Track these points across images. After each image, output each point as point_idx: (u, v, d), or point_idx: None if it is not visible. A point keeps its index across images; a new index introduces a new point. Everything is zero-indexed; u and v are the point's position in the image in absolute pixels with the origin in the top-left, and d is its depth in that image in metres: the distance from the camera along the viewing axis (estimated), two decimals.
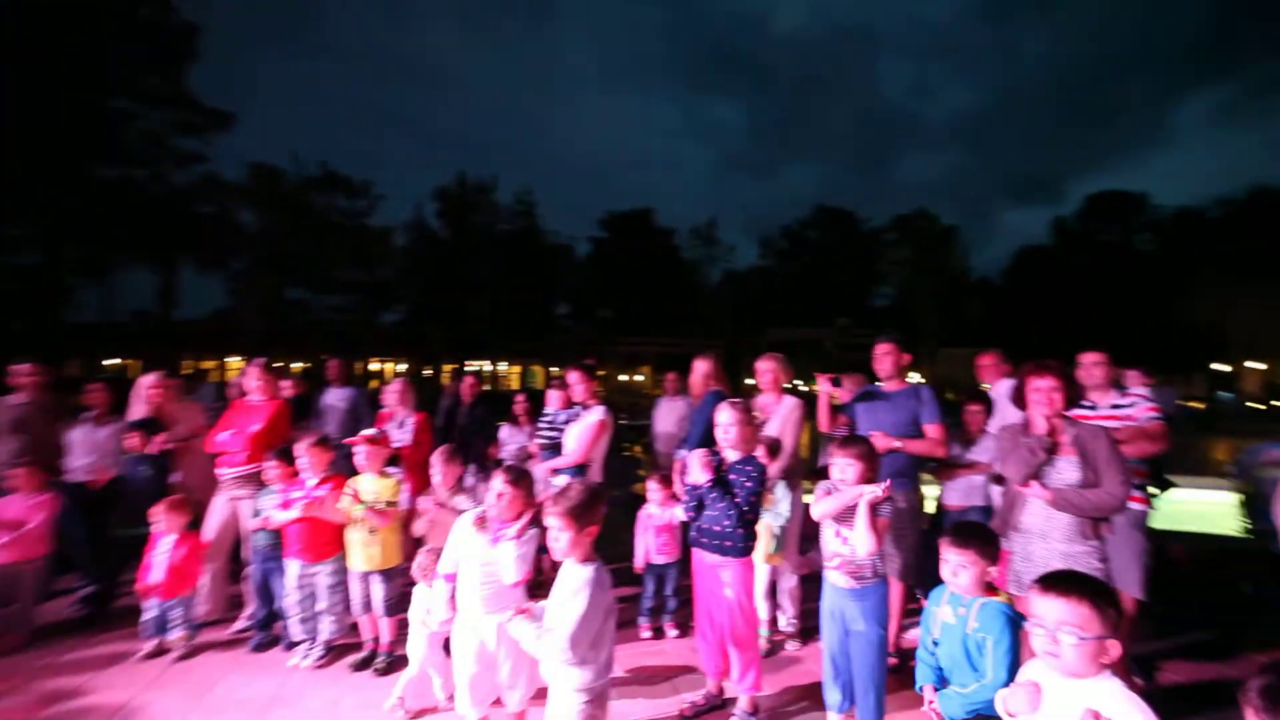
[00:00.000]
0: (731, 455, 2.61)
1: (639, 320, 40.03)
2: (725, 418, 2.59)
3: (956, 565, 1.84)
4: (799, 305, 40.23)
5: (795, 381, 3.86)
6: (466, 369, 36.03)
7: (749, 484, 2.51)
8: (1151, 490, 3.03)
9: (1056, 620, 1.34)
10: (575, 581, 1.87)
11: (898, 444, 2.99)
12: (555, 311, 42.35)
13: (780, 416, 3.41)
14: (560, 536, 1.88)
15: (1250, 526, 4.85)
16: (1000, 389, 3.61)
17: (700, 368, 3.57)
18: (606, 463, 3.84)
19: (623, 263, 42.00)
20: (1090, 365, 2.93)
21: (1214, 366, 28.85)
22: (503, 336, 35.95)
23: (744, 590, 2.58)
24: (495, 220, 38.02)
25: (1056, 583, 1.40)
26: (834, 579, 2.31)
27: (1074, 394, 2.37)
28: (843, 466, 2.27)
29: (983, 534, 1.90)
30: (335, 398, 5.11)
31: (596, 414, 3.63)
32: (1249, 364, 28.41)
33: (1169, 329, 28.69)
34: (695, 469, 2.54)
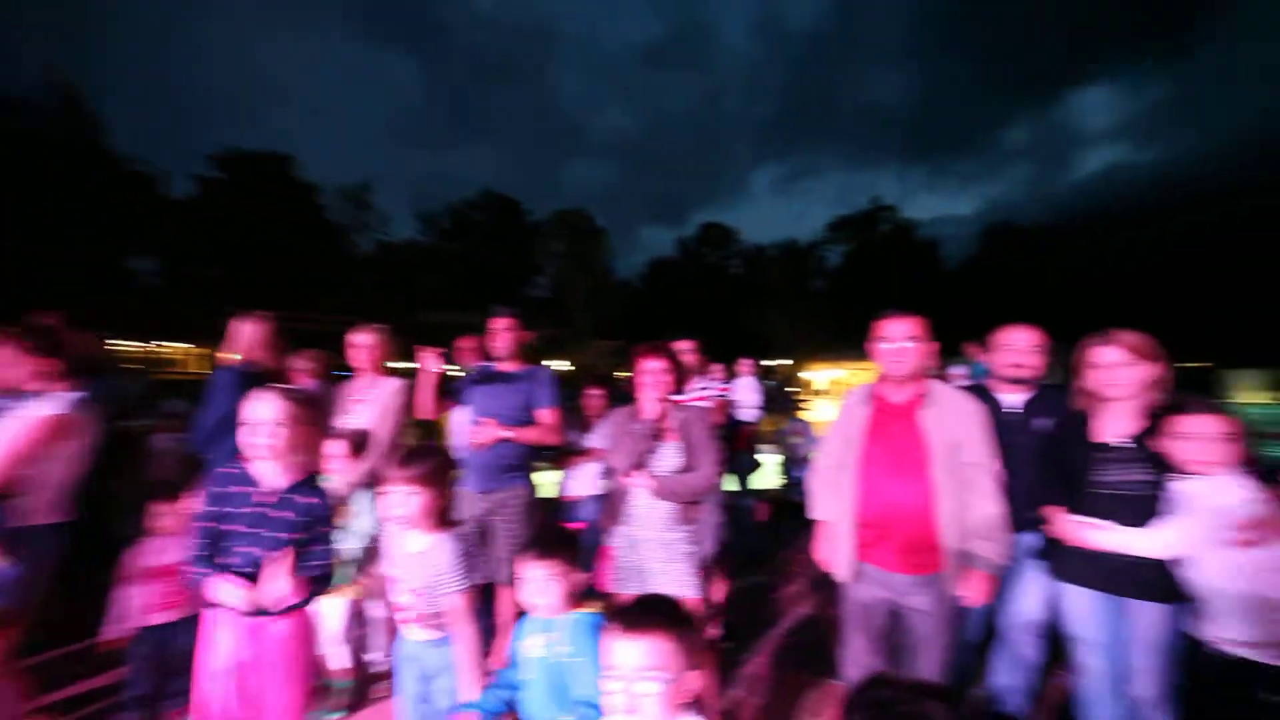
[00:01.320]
0: (268, 471, 1.75)
1: (262, 286, 31.95)
2: (264, 413, 1.73)
3: (543, 580, 1.49)
4: (458, 288, 38.91)
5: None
6: None
7: (307, 520, 1.73)
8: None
9: (636, 667, 1.07)
10: None
11: (509, 434, 2.63)
12: (131, 265, 31.01)
13: (378, 403, 2.67)
14: None
15: (785, 482, 6.31)
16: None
17: (243, 332, 2.52)
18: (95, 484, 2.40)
19: (243, 213, 33.24)
20: (683, 353, 3.13)
21: (764, 363, 40.04)
22: (35, 293, 24.27)
23: (292, 656, 1.78)
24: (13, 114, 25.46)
25: (636, 619, 1.13)
26: (408, 631, 1.73)
27: (682, 376, 2.35)
28: (403, 496, 1.70)
29: (567, 539, 1.64)
30: None
31: (45, 406, 2.10)
32: (780, 361, 40.30)
33: (743, 333, 38.27)
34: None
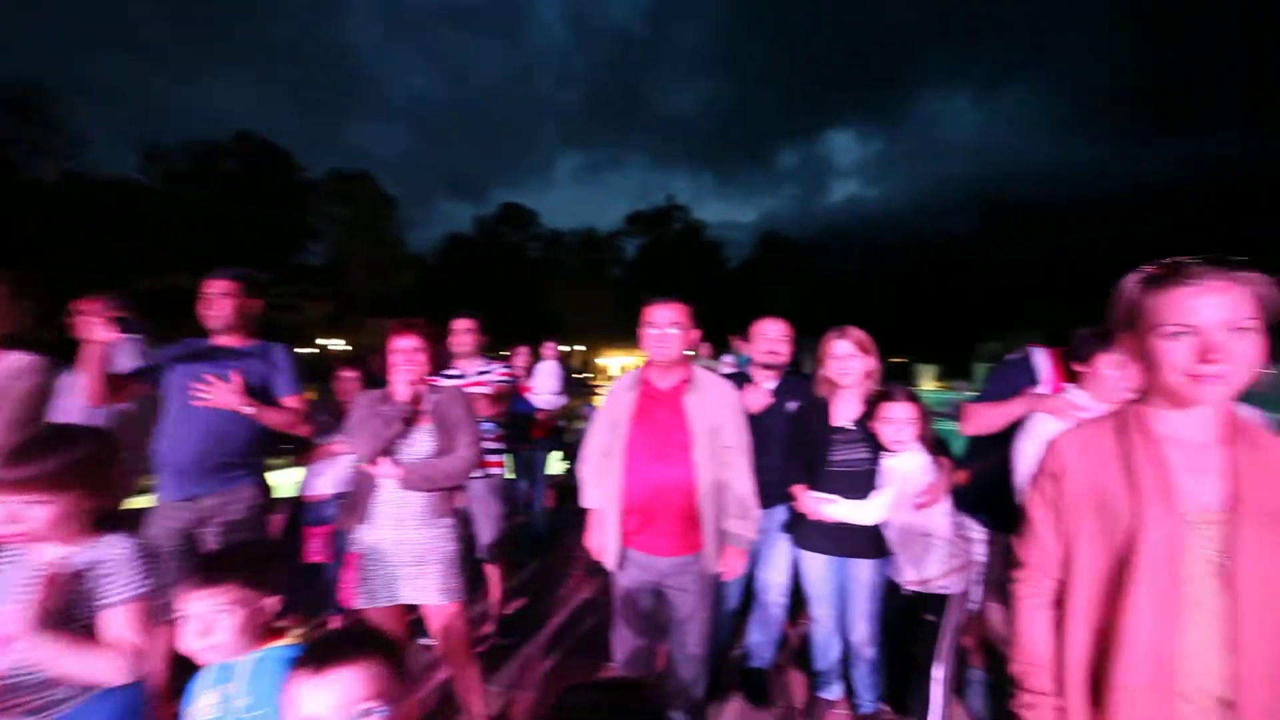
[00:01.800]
0: None
1: None
2: None
3: (208, 617, 1.13)
4: (202, 245, 31.24)
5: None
6: None
7: None
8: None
9: (343, 706, 0.89)
10: None
11: (249, 409, 2.11)
12: None
13: None
14: None
15: (569, 468, 6.32)
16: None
17: None
18: None
19: None
20: (462, 332, 2.90)
21: (563, 347, 40.46)
22: None
23: None
24: None
25: (331, 654, 0.93)
26: None
27: (440, 357, 2.08)
28: (19, 508, 1.19)
29: (250, 555, 1.28)
30: None
31: None
32: (575, 346, 41.07)
33: (539, 316, 37.96)
34: None
